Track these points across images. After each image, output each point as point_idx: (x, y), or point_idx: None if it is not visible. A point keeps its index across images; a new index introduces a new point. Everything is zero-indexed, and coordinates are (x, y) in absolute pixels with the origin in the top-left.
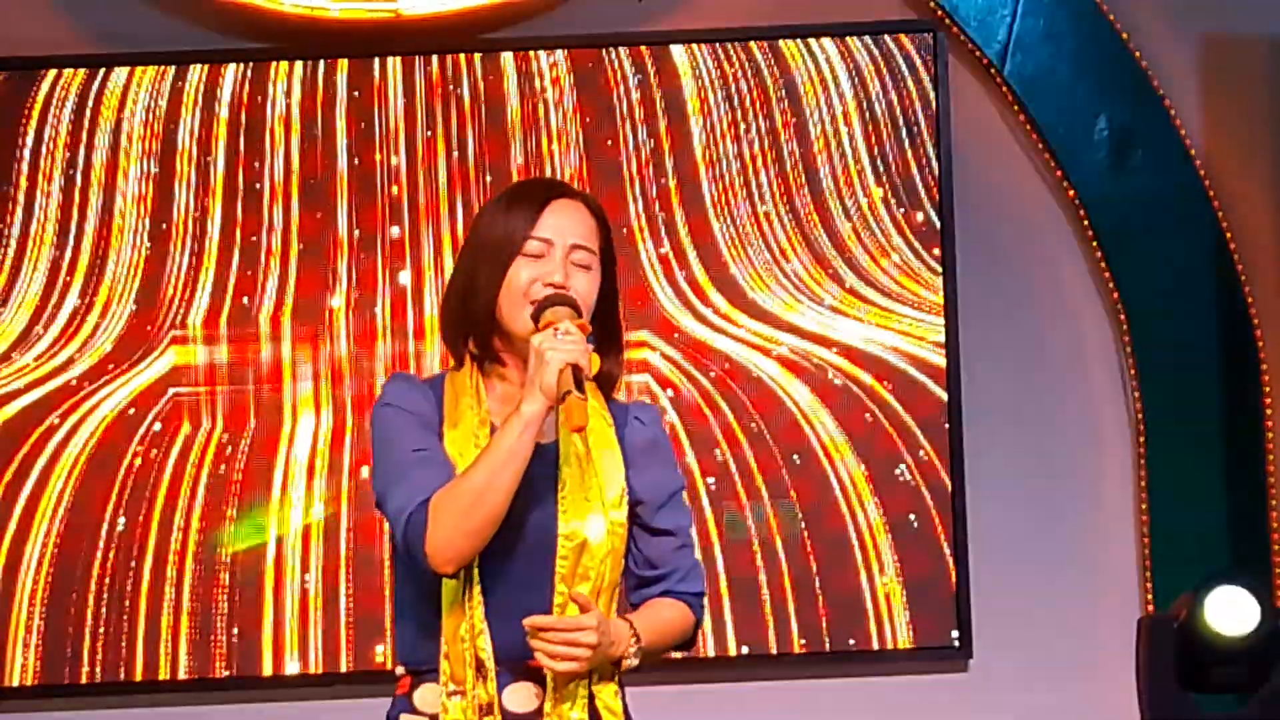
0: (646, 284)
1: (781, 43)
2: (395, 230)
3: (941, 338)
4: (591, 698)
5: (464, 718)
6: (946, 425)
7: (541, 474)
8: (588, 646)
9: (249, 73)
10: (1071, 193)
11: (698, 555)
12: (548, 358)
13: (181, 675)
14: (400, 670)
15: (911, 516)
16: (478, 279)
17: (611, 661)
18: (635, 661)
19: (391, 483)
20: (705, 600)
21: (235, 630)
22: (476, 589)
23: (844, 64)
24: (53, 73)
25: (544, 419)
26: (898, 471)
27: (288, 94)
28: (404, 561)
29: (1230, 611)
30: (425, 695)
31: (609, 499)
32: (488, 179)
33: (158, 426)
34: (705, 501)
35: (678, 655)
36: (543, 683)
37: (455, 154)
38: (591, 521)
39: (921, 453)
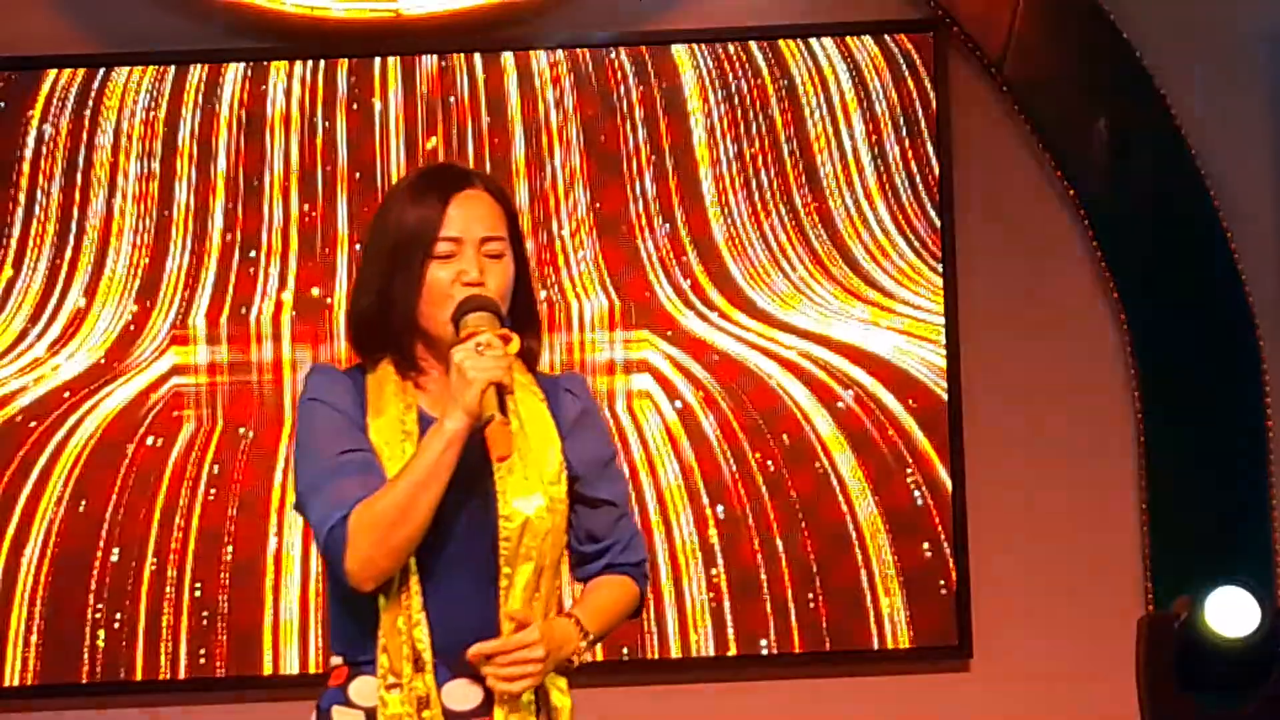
0: (646, 283)
1: (781, 42)
2: None
3: (941, 337)
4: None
5: (402, 710)
6: (946, 425)
7: (478, 459)
8: (536, 661)
9: (249, 72)
10: (1072, 193)
11: (635, 522)
12: (470, 376)
13: (181, 675)
14: (337, 660)
15: (911, 516)
16: (392, 286)
17: (564, 660)
18: (587, 655)
19: (312, 489)
20: (647, 567)
21: (235, 630)
22: (414, 579)
23: (844, 64)
24: (53, 72)
25: (465, 437)
26: (897, 471)
27: (288, 94)
28: None
29: (1230, 612)
30: (361, 688)
31: (547, 475)
32: None
33: (158, 425)
34: (705, 500)
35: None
36: (482, 678)
37: (455, 153)
38: (531, 499)
39: (921, 452)
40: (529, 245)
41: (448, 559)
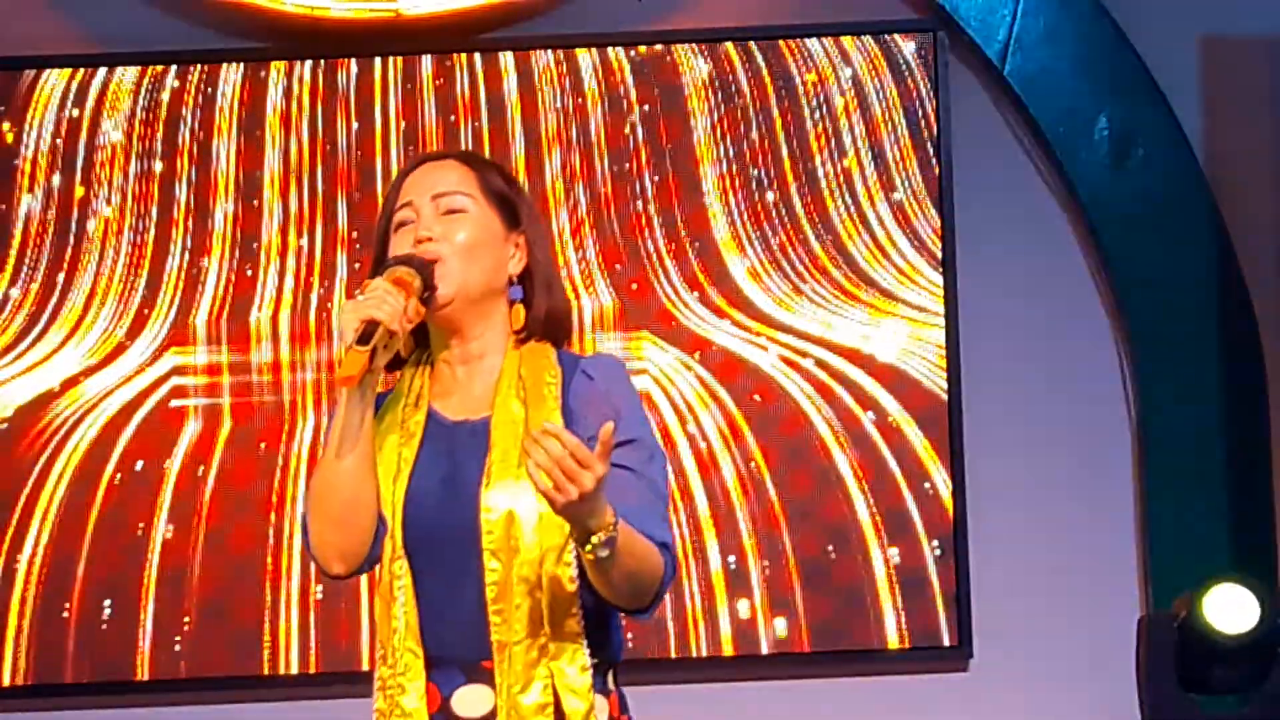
0: (646, 282)
1: (781, 42)
2: None
3: (941, 337)
4: (552, 677)
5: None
6: (946, 424)
7: (471, 454)
8: (584, 487)
9: (249, 72)
10: (1072, 193)
11: (667, 517)
12: (343, 321)
13: (179, 674)
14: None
15: (911, 516)
16: (378, 264)
17: (581, 533)
18: (605, 552)
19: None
20: (675, 560)
21: (235, 630)
22: (406, 579)
23: (844, 64)
24: (52, 73)
25: (362, 387)
26: (897, 470)
27: (287, 93)
28: None
29: (1230, 610)
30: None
31: None
32: None
33: (158, 426)
34: (701, 498)
35: (675, 654)
36: (494, 685)
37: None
38: (519, 490)
39: (921, 451)
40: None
41: (435, 559)
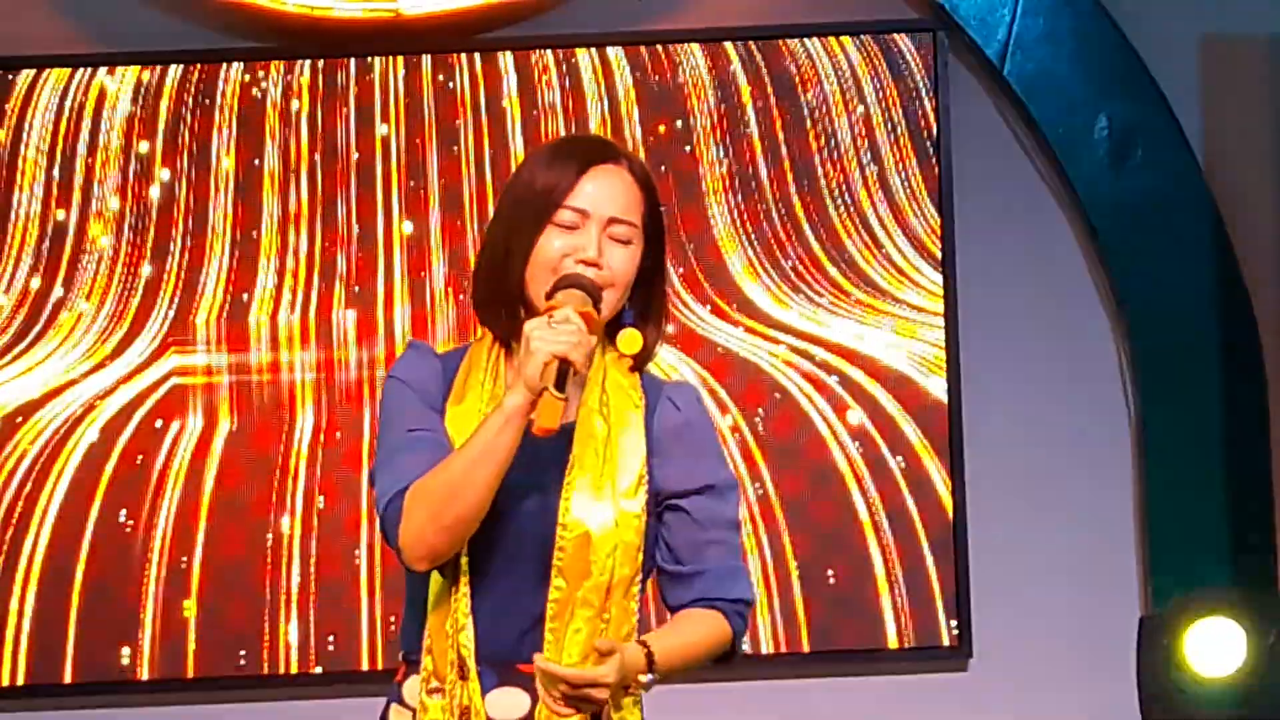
0: None
1: (781, 42)
2: (399, 227)
3: (941, 337)
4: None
5: (442, 717)
6: (946, 424)
7: (552, 459)
8: (601, 698)
9: (249, 72)
10: (1072, 193)
11: (742, 557)
12: (533, 348)
13: (178, 675)
14: (400, 657)
15: (911, 515)
16: (509, 246)
17: (621, 689)
18: (647, 689)
19: (381, 464)
20: (746, 609)
21: (235, 630)
22: (463, 580)
23: (843, 63)
24: (52, 72)
25: (528, 414)
26: (896, 470)
27: (287, 93)
28: None
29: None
30: (412, 687)
31: (622, 487)
32: (488, 178)
33: (158, 426)
34: None
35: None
36: (531, 689)
37: (454, 153)
38: (597, 511)
39: (921, 451)
40: None
41: (501, 562)
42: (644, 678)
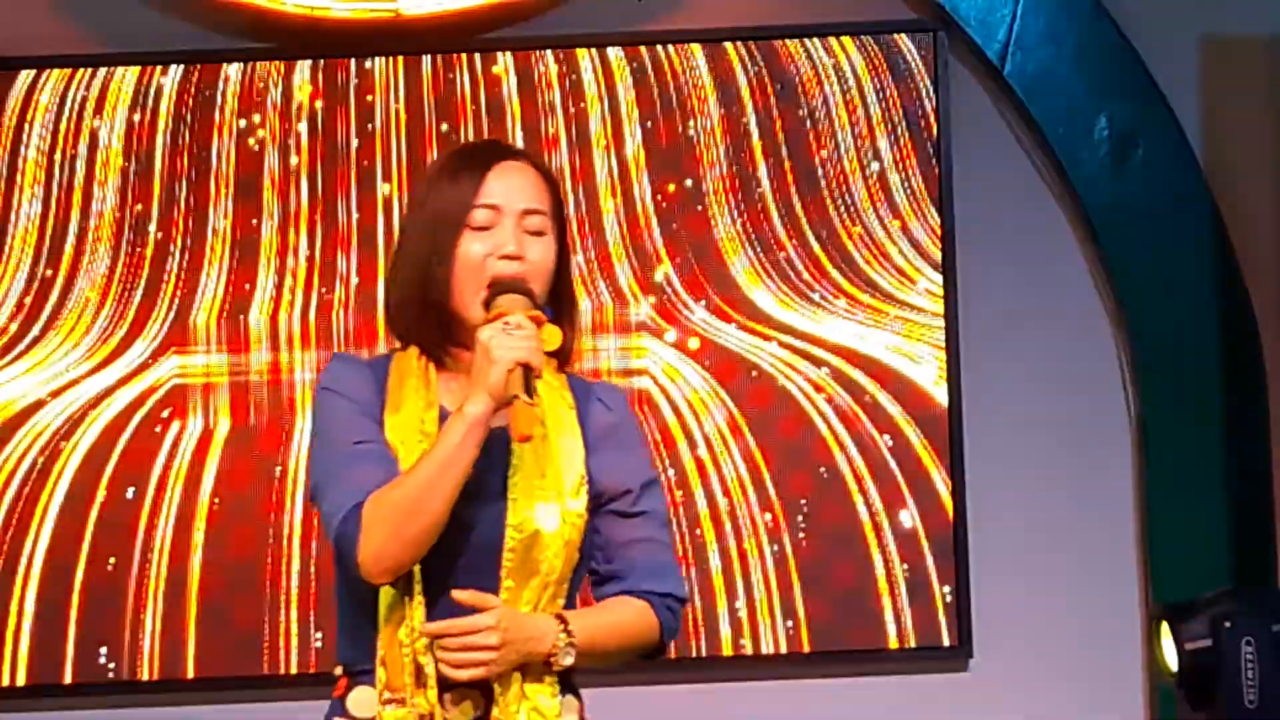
0: (644, 282)
1: (781, 42)
2: (399, 228)
3: (941, 337)
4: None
5: None
6: (946, 425)
7: (492, 463)
8: (489, 648)
9: (249, 72)
10: (1072, 193)
11: (672, 554)
12: (495, 355)
13: (179, 675)
14: (338, 670)
15: (911, 515)
16: (430, 259)
17: (541, 660)
18: (569, 659)
19: (326, 478)
20: (677, 604)
21: (235, 630)
22: (417, 589)
23: (844, 63)
24: (53, 72)
25: (488, 423)
26: (897, 471)
27: (287, 93)
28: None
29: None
30: (359, 699)
31: (566, 486)
32: None
33: (158, 427)
34: (701, 498)
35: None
36: (487, 694)
37: None
38: (544, 511)
39: (921, 452)
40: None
41: (454, 570)
42: (561, 641)
